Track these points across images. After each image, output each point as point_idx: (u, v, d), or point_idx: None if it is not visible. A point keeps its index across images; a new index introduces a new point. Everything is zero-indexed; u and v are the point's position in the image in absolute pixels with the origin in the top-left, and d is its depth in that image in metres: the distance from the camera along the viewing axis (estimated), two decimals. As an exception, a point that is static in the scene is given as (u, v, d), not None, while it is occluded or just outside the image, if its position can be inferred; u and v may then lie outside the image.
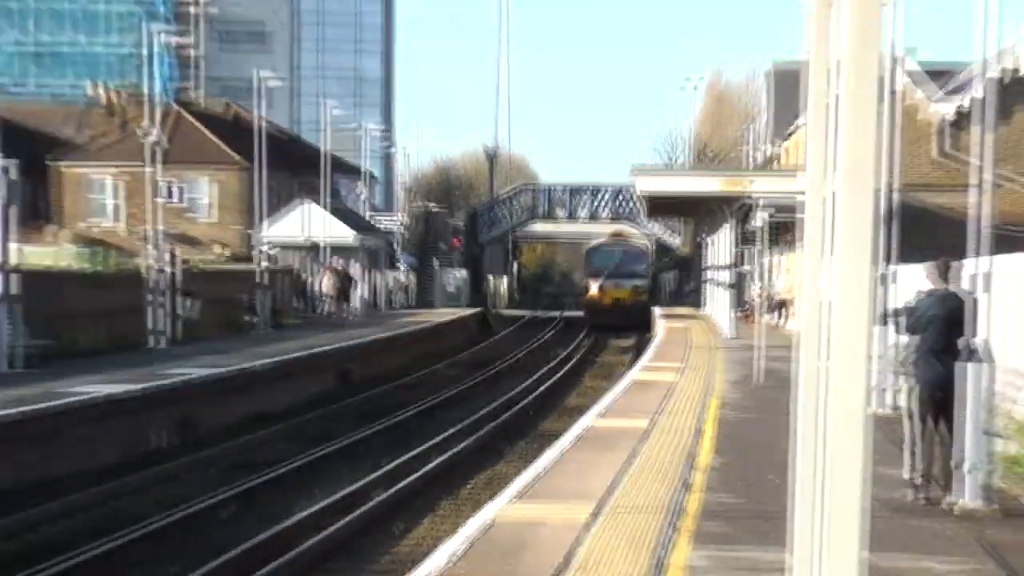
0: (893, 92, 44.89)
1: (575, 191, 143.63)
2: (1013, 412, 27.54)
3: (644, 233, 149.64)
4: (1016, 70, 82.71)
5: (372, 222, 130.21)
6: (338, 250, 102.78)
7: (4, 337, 47.71)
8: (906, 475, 24.99)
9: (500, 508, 23.70)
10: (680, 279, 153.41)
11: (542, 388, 63.69)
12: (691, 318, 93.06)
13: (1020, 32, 74.26)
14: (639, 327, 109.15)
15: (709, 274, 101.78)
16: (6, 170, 49.05)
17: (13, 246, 50.51)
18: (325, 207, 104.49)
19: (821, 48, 6.68)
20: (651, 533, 21.48)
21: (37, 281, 56.51)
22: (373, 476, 37.07)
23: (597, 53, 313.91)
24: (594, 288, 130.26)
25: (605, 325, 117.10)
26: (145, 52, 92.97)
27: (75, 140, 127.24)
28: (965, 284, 25.58)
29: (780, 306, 74.25)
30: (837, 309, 5.45)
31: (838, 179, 5.36)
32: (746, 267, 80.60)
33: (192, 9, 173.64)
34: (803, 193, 7.04)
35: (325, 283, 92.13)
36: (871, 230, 5.26)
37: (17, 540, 29.76)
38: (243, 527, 30.68)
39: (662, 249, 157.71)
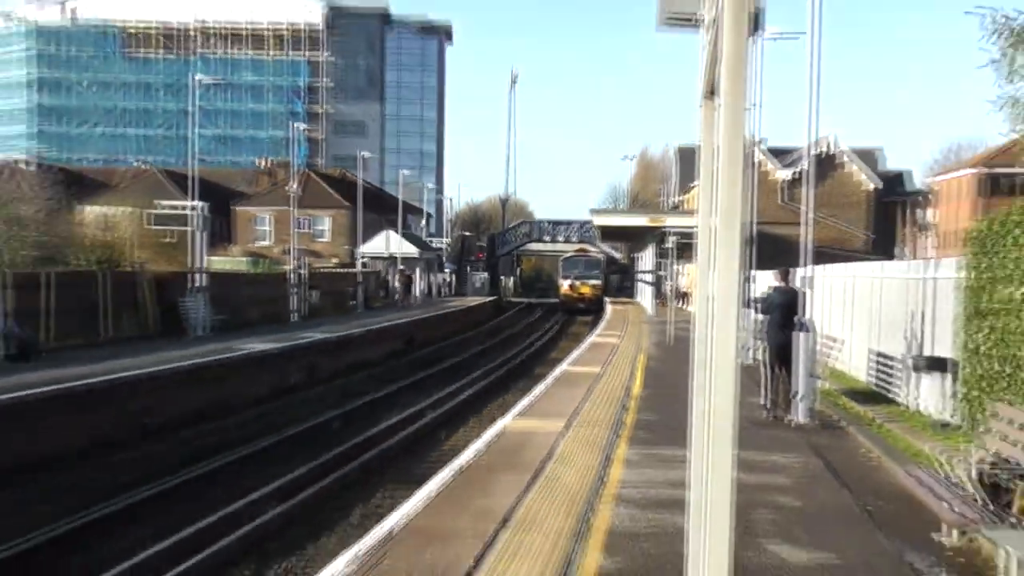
0: (753, 164, 45.20)
1: (555, 223, 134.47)
2: (827, 363, 27.65)
3: (599, 250, 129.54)
4: (827, 152, 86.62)
5: (428, 243, 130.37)
6: (406, 260, 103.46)
7: (200, 313, 47.91)
8: (762, 402, 25.32)
9: (507, 422, 23.83)
10: (621, 280, 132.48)
11: (535, 347, 63.78)
12: (628, 304, 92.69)
13: (827, 130, 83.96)
14: (596, 311, 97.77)
15: (639, 276, 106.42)
16: (202, 210, 49.51)
17: (207, 257, 50.82)
18: (399, 233, 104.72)
19: (708, 135, 6.83)
20: (602, 438, 21.59)
21: (220, 279, 57.54)
22: (427, 402, 37.31)
23: (573, 131, 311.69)
24: (566, 285, 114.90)
25: (574, 310, 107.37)
26: (290, 137, 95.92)
27: (247, 192, 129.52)
28: (797, 283, 25.78)
29: (683, 296, 73.76)
30: (718, 298, 5.59)
31: (718, 217, 5.49)
32: (662, 272, 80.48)
33: (319, 110, 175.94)
34: (696, 226, 7.24)
35: (397, 281, 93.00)
36: (739, 249, 5.40)
37: (210, 438, 29.93)
38: (347, 435, 30.78)
39: (610, 260, 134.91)
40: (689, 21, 7.51)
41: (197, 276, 49.57)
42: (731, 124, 5.54)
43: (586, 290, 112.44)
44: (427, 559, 12.59)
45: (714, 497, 5.52)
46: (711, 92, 6.91)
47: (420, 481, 19.74)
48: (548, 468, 18.35)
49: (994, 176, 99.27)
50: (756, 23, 5.80)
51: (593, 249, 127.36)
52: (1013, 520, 11.94)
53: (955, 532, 13.28)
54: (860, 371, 31.89)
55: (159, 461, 27.41)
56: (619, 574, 12.07)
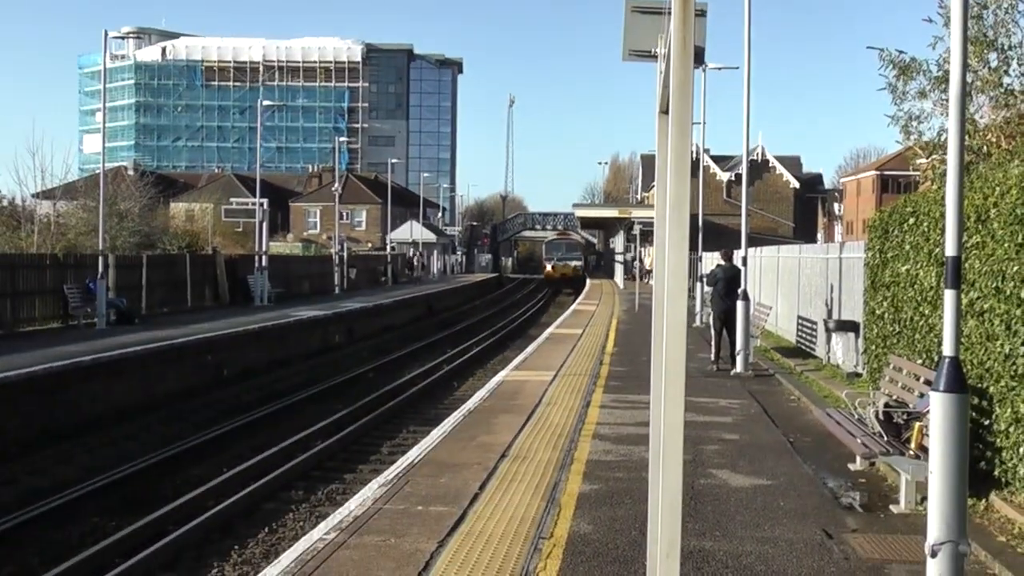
0: (700, 167, 45.05)
1: (544, 215, 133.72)
2: (761, 325, 27.52)
3: (580, 235, 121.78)
4: (760, 158, 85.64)
5: (443, 230, 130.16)
6: (427, 245, 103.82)
7: (263, 287, 47.75)
8: (711, 357, 25.12)
9: (506, 374, 23.67)
10: (598, 260, 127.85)
11: (528, 313, 63.39)
12: (603, 279, 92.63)
13: (759, 139, 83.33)
14: (578, 288, 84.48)
15: (614, 257, 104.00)
16: (265, 206, 49.27)
17: (268, 243, 50.63)
18: (420, 223, 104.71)
19: (662, 144, 6.66)
20: (583, 386, 21.44)
21: (278, 260, 57.41)
22: (442, 358, 37.13)
23: (558, 140, 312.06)
24: (548, 267, 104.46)
25: (558, 288, 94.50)
26: (334, 148, 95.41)
27: (300, 191, 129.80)
28: (737, 262, 25.62)
29: (647, 273, 73.53)
30: (670, 275, 5.42)
31: (669, 210, 5.32)
32: (630, 254, 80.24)
33: (357, 126, 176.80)
34: (653, 218, 7.12)
35: (415, 260, 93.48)
36: (686, 236, 5.24)
37: (268, 388, 29.81)
38: (378, 383, 30.66)
39: (589, 245, 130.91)
40: (648, 54, 7.37)
41: (260, 258, 49.37)
42: (678, 135, 5.43)
43: (567, 271, 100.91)
44: (442, 483, 12.47)
45: (668, 434, 5.38)
46: (664, 110, 6.81)
47: (436, 421, 19.69)
48: (539, 410, 18.23)
49: (889, 177, 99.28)
50: (699, 58, 5.73)
51: (574, 234, 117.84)
52: (908, 452, 11.86)
53: (861, 460, 13.23)
54: (787, 332, 31.77)
55: (233, 403, 27.48)
56: (596, 495, 11.96)
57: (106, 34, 37.93)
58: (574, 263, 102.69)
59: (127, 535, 14.45)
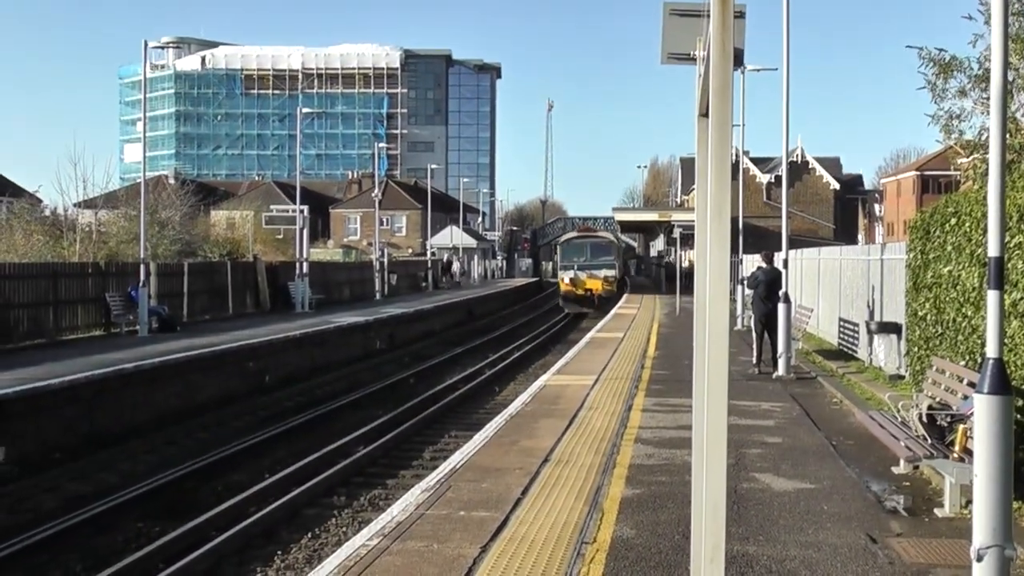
0: (740, 170, 45.00)
1: (584, 219, 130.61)
2: (803, 328, 27.41)
3: (612, 233, 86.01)
4: (799, 159, 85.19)
5: (483, 235, 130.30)
6: (467, 250, 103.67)
7: (303, 293, 47.89)
8: (753, 360, 25.02)
9: (548, 378, 23.64)
10: (637, 264, 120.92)
11: (570, 317, 63.22)
12: (647, 295, 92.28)
13: (798, 141, 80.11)
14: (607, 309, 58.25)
15: (652, 261, 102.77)
16: (305, 212, 49.40)
17: (308, 249, 50.80)
18: (460, 228, 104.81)
19: (702, 147, 6.64)
20: (625, 390, 21.40)
21: (319, 266, 57.66)
22: (484, 362, 37.18)
23: (598, 144, 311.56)
24: (566, 279, 68.70)
25: (578, 311, 65.12)
26: (374, 154, 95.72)
27: (340, 198, 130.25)
28: (778, 264, 25.53)
29: (687, 276, 73.37)
30: (711, 277, 5.40)
31: (710, 212, 5.31)
32: (670, 257, 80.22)
33: (397, 132, 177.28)
34: (693, 221, 7.11)
35: (455, 267, 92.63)
36: (727, 239, 5.22)
37: (309, 394, 29.92)
38: (419, 389, 30.74)
39: (628, 248, 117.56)
40: (687, 57, 7.36)
41: (301, 264, 49.57)
42: (718, 137, 5.41)
43: (595, 284, 66.46)
44: (484, 488, 12.47)
45: (711, 437, 5.36)
46: (704, 113, 6.79)
47: (478, 426, 19.67)
48: (581, 415, 18.20)
49: (930, 177, 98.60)
50: (738, 60, 5.71)
51: (603, 231, 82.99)
52: (953, 455, 11.76)
53: (904, 464, 13.13)
54: (828, 334, 31.62)
55: (275, 409, 27.60)
56: (638, 499, 11.93)
57: (146, 44, 38.16)
58: (606, 271, 68.02)
59: (169, 541, 14.53)
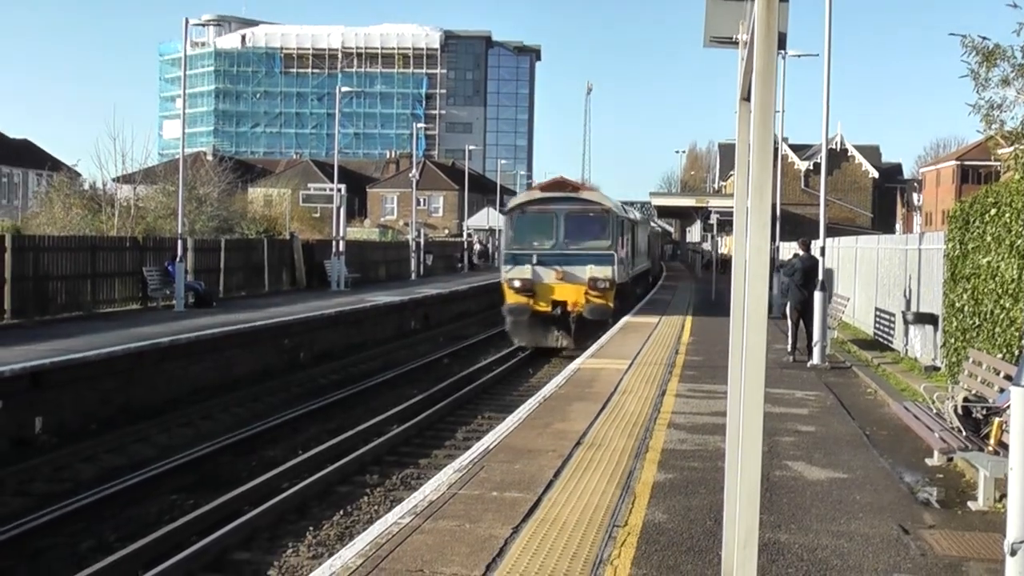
0: (779, 157, 44.87)
1: (622, 203, 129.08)
2: (839, 317, 27.29)
3: (611, 202, 36.45)
4: (838, 147, 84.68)
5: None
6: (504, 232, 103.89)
7: (340, 272, 47.95)
8: (788, 348, 24.92)
9: (581, 361, 23.62)
10: (674, 250, 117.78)
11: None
12: (680, 268, 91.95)
13: (837, 128, 78.18)
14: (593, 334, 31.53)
15: (688, 247, 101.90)
16: (342, 191, 49.40)
17: (345, 228, 50.84)
18: (497, 210, 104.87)
19: (743, 131, 6.62)
20: (658, 375, 21.36)
21: (355, 245, 57.48)
22: (518, 344, 37.19)
23: (636, 128, 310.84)
24: (514, 281, 34.05)
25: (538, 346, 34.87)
26: (412, 134, 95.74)
27: (377, 177, 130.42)
28: (815, 252, 25.42)
29: (724, 262, 73.15)
30: (751, 263, 5.38)
31: (751, 196, 5.28)
32: (706, 244, 79.89)
33: (435, 113, 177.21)
34: (730, 207, 7.11)
35: (476, 248, 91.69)
36: (768, 224, 5.20)
37: (343, 372, 30.04)
38: (453, 369, 30.86)
39: (665, 233, 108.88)
40: (729, 40, 7.33)
41: (338, 243, 49.62)
42: (761, 122, 5.37)
43: (571, 294, 33.91)
44: (516, 469, 12.48)
45: (747, 424, 5.35)
46: (746, 97, 6.77)
47: (511, 408, 19.70)
48: (614, 399, 18.18)
49: (969, 167, 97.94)
50: (781, 43, 5.69)
51: (591, 191, 39.18)
52: (988, 448, 11.70)
53: (938, 455, 13.07)
54: (864, 324, 31.49)
55: (309, 386, 27.73)
56: (671, 484, 11.93)
57: (187, 22, 38.24)
58: (594, 267, 34.11)
59: (203, 514, 14.63)
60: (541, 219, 34.34)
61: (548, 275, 33.41)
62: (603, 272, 33.53)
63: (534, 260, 33.58)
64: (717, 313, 36.81)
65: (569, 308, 33.36)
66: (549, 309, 33.49)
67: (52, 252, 31.02)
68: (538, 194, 35.72)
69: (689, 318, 36.48)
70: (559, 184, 36.01)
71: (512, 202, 36.81)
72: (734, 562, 5.42)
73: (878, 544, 9.76)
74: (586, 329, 32.76)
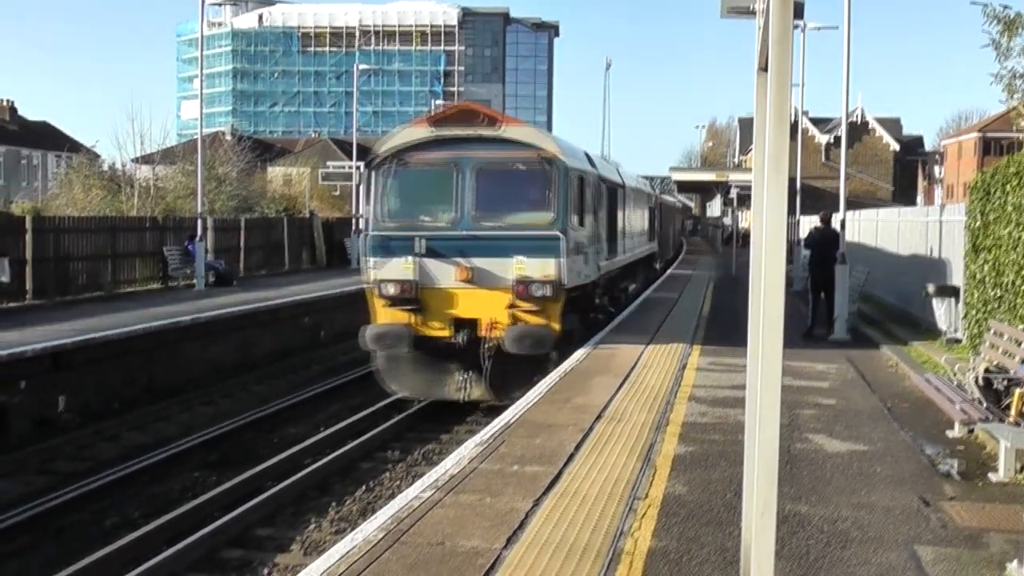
0: (799, 129, 44.76)
1: (642, 178, 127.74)
2: (859, 289, 27.25)
3: (566, 157, 20.99)
4: (859, 120, 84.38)
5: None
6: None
7: (357, 250, 47.94)
8: (808, 322, 24.88)
9: (599, 339, 23.60)
10: (694, 225, 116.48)
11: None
12: (701, 243, 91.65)
13: (859, 100, 78.09)
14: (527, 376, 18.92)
15: (709, 222, 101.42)
16: (359, 168, 49.37)
17: (363, 205, 50.79)
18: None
19: (761, 101, 6.63)
20: (678, 349, 21.33)
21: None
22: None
23: (656, 103, 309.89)
24: (388, 287, 20.20)
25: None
26: (431, 111, 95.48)
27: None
28: (836, 225, 25.38)
29: (744, 237, 72.96)
30: (768, 237, 5.40)
31: (767, 166, 5.30)
32: (726, 218, 79.74)
33: (454, 90, 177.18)
34: (750, 181, 7.10)
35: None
36: (784, 195, 5.21)
37: (364, 350, 30.04)
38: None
39: (685, 208, 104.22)
40: (746, 10, 7.34)
41: (357, 221, 49.66)
42: (778, 87, 5.36)
43: (488, 308, 20.04)
44: (537, 444, 12.51)
45: (765, 395, 5.36)
46: (763, 67, 6.77)
47: (532, 382, 19.69)
48: (635, 373, 18.18)
49: (991, 139, 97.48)
50: (798, 12, 5.69)
51: (526, 132, 21.56)
52: (1009, 419, 11.69)
53: (959, 427, 13.05)
54: (885, 296, 31.43)
55: (331, 364, 27.83)
56: (691, 457, 11.95)
57: (203, 2, 38.32)
58: (528, 261, 19.96)
59: (226, 490, 14.74)
60: (432, 176, 21.21)
61: (445, 274, 20.14)
62: (542, 268, 19.87)
63: (420, 248, 20.07)
64: (738, 287, 36.73)
65: (482, 332, 19.94)
66: (447, 334, 20.21)
67: (72, 233, 31.15)
68: (427, 132, 20.80)
69: (710, 291, 36.35)
70: (465, 115, 21.32)
71: (382, 146, 21.70)
72: (753, 530, 5.45)
73: (899, 516, 9.77)
74: (513, 368, 19.75)
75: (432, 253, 20.13)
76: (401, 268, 20.06)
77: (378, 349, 20.54)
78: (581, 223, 21.96)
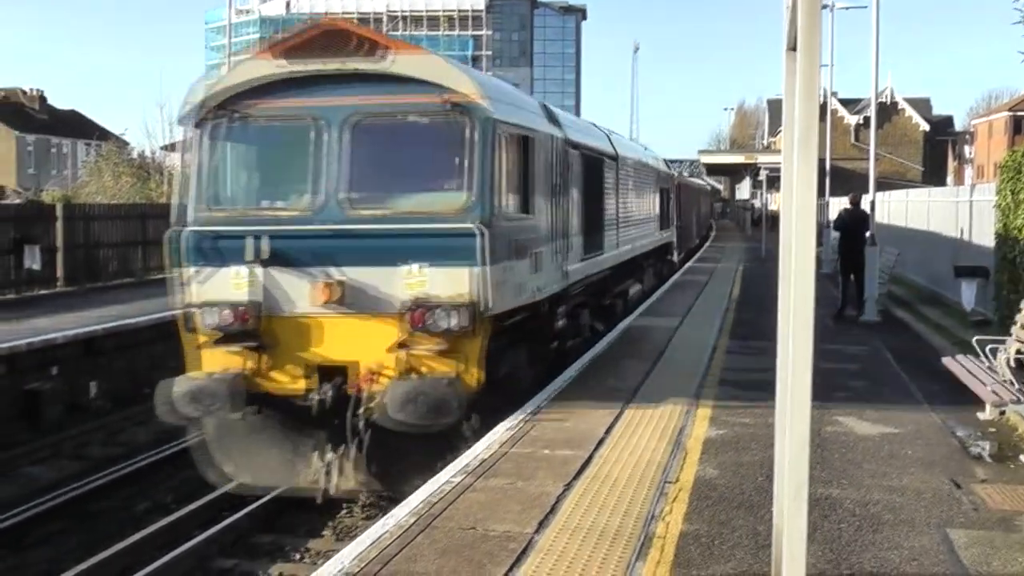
0: (828, 110, 44.59)
1: (670, 162, 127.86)
2: (888, 270, 27.14)
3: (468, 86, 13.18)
4: (888, 100, 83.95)
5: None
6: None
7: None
8: (838, 304, 24.78)
9: (632, 319, 23.52)
10: (723, 208, 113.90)
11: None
12: (730, 226, 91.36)
13: (888, 81, 76.85)
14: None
15: (737, 204, 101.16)
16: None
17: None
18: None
19: (790, 81, 6.59)
20: (708, 332, 21.29)
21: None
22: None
23: (683, 85, 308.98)
24: (210, 316, 13.04)
25: None
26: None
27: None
28: (865, 206, 25.26)
29: (773, 219, 72.68)
30: (797, 220, 5.37)
31: (797, 144, 5.27)
32: (755, 200, 79.53)
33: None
34: (779, 163, 7.07)
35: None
36: (814, 175, 5.17)
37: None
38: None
39: (714, 191, 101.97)
40: (775, -11, 7.30)
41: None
42: (807, 69, 5.31)
43: (356, 346, 12.77)
44: (568, 427, 12.47)
45: (796, 381, 5.33)
46: (792, 47, 6.74)
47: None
48: (665, 355, 18.16)
49: (1022, 118, 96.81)
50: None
51: (426, 63, 13.30)
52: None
53: (990, 409, 12.97)
54: (915, 277, 31.30)
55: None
56: (722, 440, 11.92)
57: (231, -14, 38.38)
58: (428, 273, 12.63)
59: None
60: (281, 137, 14.22)
61: (299, 293, 13.16)
62: (449, 283, 12.87)
63: (260, 251, 13.10)
64: (767, 269, 36.60)
65: (357, 385, 12.97)
66: (303, 388, 13.22)
67: (102, 220, 31.30)
68: (273, 67, 13.62)
69: (739, 274, 36.26)
70: (331, 39, 13.63)
71: (206, 92, 13.99)
72: (784, 512, 5.43)
73: (930, 499, 9.72)
74: (407, 443, 12.80)
75: (279, 259, 12.97)
76: (231, 284, 13.08)
77: (192, 414, 13.04)
78: (525, 209, 14.74)
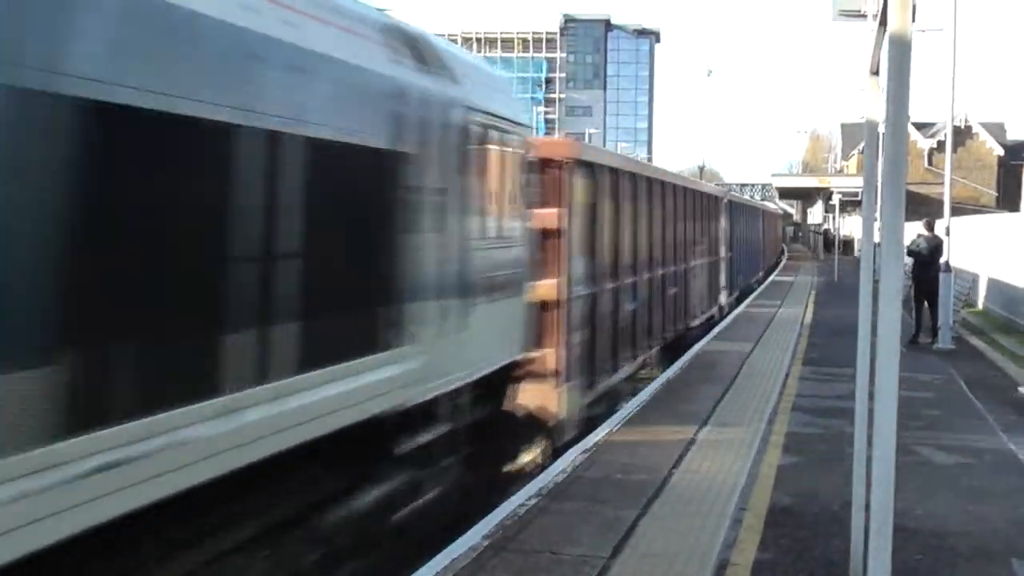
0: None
1: (742, 185, 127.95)
2: (963, 297, 26.83)
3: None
4: (962, 124, 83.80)
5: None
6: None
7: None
8: (913, 330, 24.48)
9: (704, 344, 23.43)
10: (795, 232, 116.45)
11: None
12: (802, 250, 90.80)
13: (963, 104, 77.88)
14: None
15: (810, 228, 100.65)
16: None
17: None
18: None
19: (873, 105, 6.49)
20: (782, 357, 21.15)
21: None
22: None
23: (757, 110, 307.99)
24: None
25: None
26: (533, 118, 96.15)
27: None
28: (940, 232, 25.00)
29: (846, 243, 72.15)
30: (885, 241, 5.28)
31: (885, 174, 5.20)
32: (828, 225, 79.09)
33: (555, 97, 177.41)
34: (860, 187, 6.98)
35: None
36: (903, 200, 5.10)
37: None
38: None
39: (786, 216, 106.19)
40: (858, 13, 7.23)
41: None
42: (896, 93, 5.21)
43: None
44: (641, 452, 12.38)
45: (881, 409, 5.23)
46: (875, 72, 6.66)
47: (635, 391, 19.61)
48: (738, 381, 18.03)
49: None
50: (913, 13, 5.59)
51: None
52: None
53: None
54: (992, 305, 30.90)
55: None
56: (796, 467, 11.80)
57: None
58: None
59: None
60: None
61: None
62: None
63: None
64: (840, 294, 36.20)
65: None
66: None
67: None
68: None
69: (811, 299, 35.90)
70: None
71: None
72: (866, 548, 5.32)
73: (1008, 530, 9.55)
74: None
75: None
76: None
77: None
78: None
